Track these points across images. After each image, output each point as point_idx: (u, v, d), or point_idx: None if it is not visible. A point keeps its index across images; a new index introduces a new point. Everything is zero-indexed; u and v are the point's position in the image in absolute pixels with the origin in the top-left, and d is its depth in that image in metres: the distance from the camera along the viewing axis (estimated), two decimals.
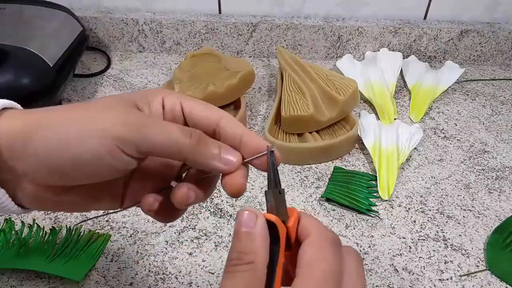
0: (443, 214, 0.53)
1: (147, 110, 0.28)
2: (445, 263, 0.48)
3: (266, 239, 0.24)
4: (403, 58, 0.80)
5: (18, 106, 0.28)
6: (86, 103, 0.27)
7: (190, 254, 0.48)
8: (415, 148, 0.64)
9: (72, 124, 0.25)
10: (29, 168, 0.25)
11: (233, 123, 0.28)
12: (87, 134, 0.24)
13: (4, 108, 0.27)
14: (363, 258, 0.48)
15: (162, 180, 0.31)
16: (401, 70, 0.79)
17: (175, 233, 0.50)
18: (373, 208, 0.53)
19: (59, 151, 0.24)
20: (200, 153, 0.26)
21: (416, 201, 0.55)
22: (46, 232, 0.48)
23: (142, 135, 0.25)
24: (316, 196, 0.55)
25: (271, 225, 0.25)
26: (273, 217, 0.25)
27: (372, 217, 0.53)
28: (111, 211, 0.31)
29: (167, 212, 0.29)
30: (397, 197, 0.56)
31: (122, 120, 0.25)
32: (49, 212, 0.52)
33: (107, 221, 0.51)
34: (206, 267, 0.46)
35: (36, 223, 0.48)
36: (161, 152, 0.26)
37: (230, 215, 0.52)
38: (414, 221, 0.52)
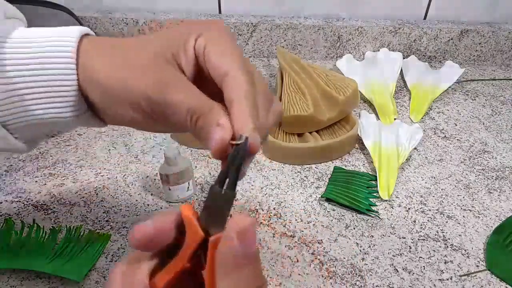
0: (443, 214, 0.53)
1: (183, 58, 0.28)
2: (445, 263, 0.48)
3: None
4: (403, 58, 0.80)
5: (90, 32, 0.31)
6: (135, 51, 0.29)
7: None
8: (415, 148, 0.64)
9: (115, 88, 0.28)
10: (98, 107, 0.30)
11: (232, 85, 0.26)
12: (124, 102, 0.28)
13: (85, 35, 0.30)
14: (363, 258, 0.48)
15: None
16: (401, 70, 0.79)
17: None
18: (373, 208, 0.53)
19: (109, 105, 0.29)
20: (198, 135, 0.27)
21: (416, 201, 0.55)
22: (46, 232, 0.48)
23: (162, 111, 0.28)
24: (316, 196, 0.55)
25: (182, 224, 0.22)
26: (187, 213, 0.22)
27: (372, 217, 0.53)
28: None
29: None
30: (397, 197, 0.56)
31: (150, 94, 0.27)
32: (49, 212, 0.52)
33: (107, 221, 0.51)
34: None
35: (36, 223, 0.48)
36: (178, 125, 0.28)
37: (230, 215, 0.52)
38: (414, 221, 0.52)
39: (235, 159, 0.23)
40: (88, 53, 0.29)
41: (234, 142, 0.24)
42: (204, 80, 0.29)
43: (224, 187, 0.23)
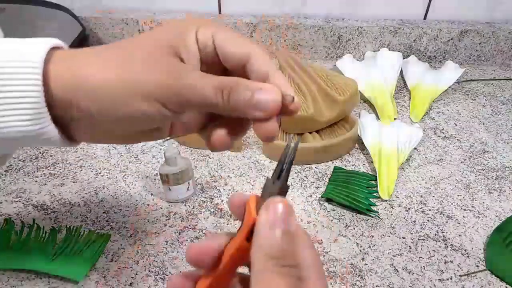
0: (443, 214, 0.53)
1: (185, 53, 0.28)
2: (445, 263, 0.48)
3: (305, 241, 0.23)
4: (403, 58, 0.80)
5: (63, 44, 0.29)
6: (127, 51, 0.28)
7: None
8: (415, 148, 0.64)
9: (118, 87, 0.26)
10: (80, 120, 0.28)
11: (261, 59, 0.28)
12: (134, 97, 0.26)
13: (53, 48, 0.28)
14: (363, 258, 0.48)
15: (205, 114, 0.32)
16: (401, 70, 0.79)
17: (175, 233, 0.50)
18: (373, 208, 0.53)
19: (109, 111, 0.27)
20: (235, 109, 0.27)
21: (416, 201, 0.55)
22: (46, 232, 0.48)
23: (181, 96, 0.27)
24: (316, 196, 0.55)
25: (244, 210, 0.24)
26: (252, 202, 0.24)
27: (372, 217, 0.53)
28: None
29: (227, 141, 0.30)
30: (397, 197, 0.56)
31: (165, 82, 0.26)
32: (49, 212, 0.52)
33: (107, 221, 0.51)
34: None
35: (36, 223, 0.48)
36: (199, 110, 0.29)
37: (230, 215, 0.52)
38: (414, 221, 0.52)
39: (287, 156, 0.26)
40: (68, 61, 0.27)
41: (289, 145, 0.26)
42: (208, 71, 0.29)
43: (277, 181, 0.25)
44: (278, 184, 0.25)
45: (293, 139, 0.26)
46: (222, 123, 0.30)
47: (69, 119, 0.28)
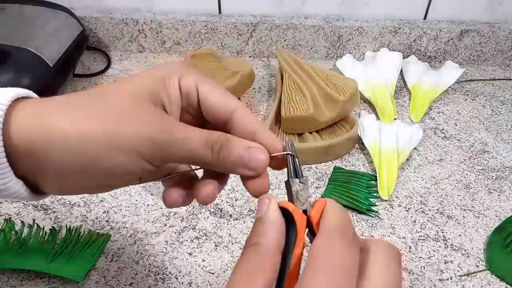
0: (443, 214, 0.53)
1: (168, 101, 0.27)
2: (445, 263, 0.48)
3: (277, 223, 0.24)
4: (403, 58, 0.80)
5: (32, 94, 0.27)
6: (102, 100, 0.25)
7: (190, 254, 0.48)
8: (415, 148, 0.64)
9: (93, 139, 0.24)
10: (52, 175, 0.25)
11: (247, 117, 0.27)
12: (114, 151, 0.24)
13: (17, 99, 0.25)
14: None
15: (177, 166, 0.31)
16: (401, 70, 0.79)
17: (175, 233, 0.50)
18: (373, 208, 0.53)
19: (84, 167, 0.24)
20: (224, 165, 0.26)
21: (416, 201, 0.55)
22: (46, 232, 0.48)
23: (168, 153, 0.25)
24: (316, 196, 0.55)
25: (287, 214, 0.25)
26: (290, 206, 0.25)
27: (372, 217, 0.53)
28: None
29: (185, 201, 0.30)
30: (397, 197, 0.56)
31: (146, 135, 0.25)
32: (49, 212, 0.52)
33: (107, 221, 0.51)
34: (206, 267, 0.46)
35: (36, 223, 0.48)
36: (184, 163, 0.27)
37: (230, 215, 0.52)
38: (414, 221, 0.52)
39: (289, 156, 0.28)
40: (35, 111, 0.25)
41: (279, 153, 0.28)
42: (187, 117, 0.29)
43: (293, 178, 0.27)
44: (300, 180, 0.27)
45: (288, 144, 0.28)
46: (208, 175, 0.29)
47: (36, 172, 0.25)
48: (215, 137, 0.26)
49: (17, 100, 0.25)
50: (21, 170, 0.25)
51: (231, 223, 0.51)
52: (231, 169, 0.26)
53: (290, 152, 0.27)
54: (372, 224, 0.52)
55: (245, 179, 0.27)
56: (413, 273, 0.46)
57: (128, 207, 0.53)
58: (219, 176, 0.29)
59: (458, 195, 0.56)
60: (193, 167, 0.30)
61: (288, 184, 0.27)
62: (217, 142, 0.26)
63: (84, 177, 0.25)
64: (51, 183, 0.26)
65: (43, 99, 0.26)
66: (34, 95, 0.27)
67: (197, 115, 0.29)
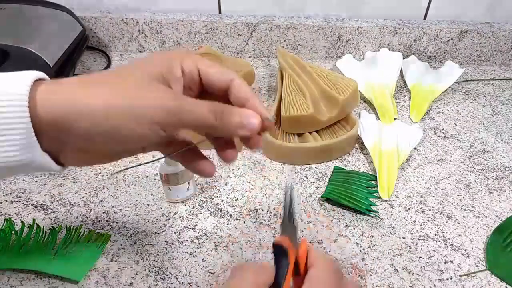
0: (443, 214, 0.53)
1: (173, 80, 0.31)
2: (445, 263, 0.48)
3: None
4: (403, 58, 0.80)
5: (47, 77, 0.29)
6: (119, 78, 0.29)
7: (190, 254, 0.48)
8: (415, 148, 0.64)
9: (117, 112, 0.28)
10: (74, 145, 0.29)
11: (242, 86, 0.32)
12: (133, 121, 0.28)
13: (38, 79, 0.28)
14: (363, 258, 0.48)
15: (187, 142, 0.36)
16: (401, 70, 0.79)
17: (175, 233, 0.50)
18: (373, 208, 0.53)
19: (105, 136, 0.28)
20: (227, 129, 0.30)
21: (416, 201, 0.55)
22: (46, 232, 0.48)
23: (179, 119, 0.29)
24: (316, 196, 0.55)
25: (282, 250, 0.31)
26: (286, 242, 0.31)
27: (372, 217, 0.53)
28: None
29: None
30: (397, 197, 0.56)
31: (161, 105, 0.28)
32: (49, 212, 0.52)
33: (107, 221, 0.51)
34: (206, 267, 0.46)
35: (36, 223, 0.48)
36: (194, 130, 0.31)
37: (230, 215, 0.52)
38: (414, 221, 0.52)
39: (290, 200, 0.34)
40: (57, 88, 0.28)
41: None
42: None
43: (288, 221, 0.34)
44: (291, 224, 0.34)
45: (288, 188, 0.34)
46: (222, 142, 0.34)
47: (61, 145, 0.29)
48: (217, 105, 0.30)
49: (38, 80, 0.28)
50: (45, 145, 0.28)
51: (231, 223, 0.51)
52: (233, 131, 0.30)
53: (271, 117, 0.31)
54: (372, 224, 0.52)
55: (243, 139, 0.32)
56: (413, 273, 0.46)
57: (128, 207, 0.53)
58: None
59: (458, 195, 0.56)
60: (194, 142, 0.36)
61: (283, 225, 0.33)
62: (218, 111, 0.30)
63: (104, 145, 0.29)
64: (72, 154, 0.30)
65: (62, 79, 0.29)
66: (47, 77, 0.30)
67: (198, 92, 0.33)
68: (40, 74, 0.28)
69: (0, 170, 0.28)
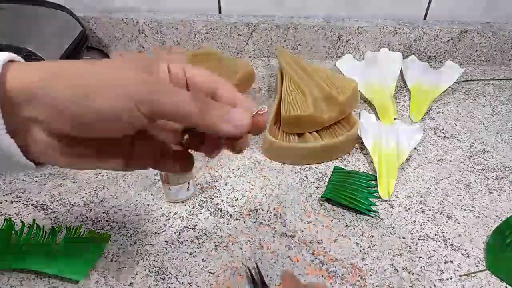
0: (443, 214, 0.53)
1: (156, 74, 0.30)
2: (445, 263, 0.48)
3: None
4: (403, 58, 0.80)
5: (21, 59, 0.28)
6: (101, 60, 0.28)
7: (190, 254, 0.48)
8: (415, 148, 0.64)
9: (93, 78, 0.26)
10: (46, 114, 0.26)
11: (228, 89, 0.30)
12: (107, 89, 0.26)
13: (11, 61, 0.27)
14: (363, 258, 0.48)
15: (164, 145, 0.33)
16: (401, 70, 0.79)
17: (175, 233, 0.50)
18: (373, 208, 0.53)
19: (80, 101, 0.26)
20: (208, 121, 0.27)
21: (416, 201, 0.55)
22: (46, 232, 0.48)
23: (156, 98, 0.26)
24: (316, 196, 0.55)
25: None
26: None
27: (372, 217, 0.53)
28: None
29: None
30: (397, 197, 0.56)
31: (141, 80, 0.27)
32: (49, 212, 0.52)
33: (107, 221, 0.51)
34: (206, 267, 0.46)
35: (36, 223, 0.48)
36: (171, 116, 0.27)
37: (230, 215, 0.52)
38: (414, 221, 0.52)
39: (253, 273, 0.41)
40: (31, 65, 0.27)
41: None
42: None
43: None
44: None
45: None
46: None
47: (28, 125, 0.27)
48: (200, 94, 0.28)
49: (11, 62, 0.27)
50: (10, 125, 0.26)
51: (231, 223, 0.51)
52: (215, 125, 0.28)
53: (265, 108, 0.29)
54: (372, 224, 0.52)
55: (229, 140, 0.30)
56: (413, 273, 0.46)
57: (128, 207, 0.53)
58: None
59: (458, 195, 0.56)
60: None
61: None
62: (203, 100, 0.28)
63: (76, 120, 0.26)
64: (43, 142, 0.28)
65: (36, 62, 0.28)
66: (21, 59, 0.29)
67: None
68: (14, 56, 0.27)
69: None
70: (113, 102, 0.26)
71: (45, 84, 0.26)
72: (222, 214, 0.52)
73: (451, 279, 0.46)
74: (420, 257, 0.48)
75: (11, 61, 0.27)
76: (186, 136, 0.33)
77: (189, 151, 0.34)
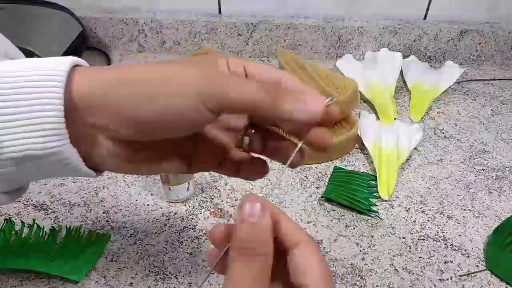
0: (443, 214, 0.53)
1: (217, 69, 0.29)
2: (445, 263, 0.48)
3: (272, 232, 0.25)
4: (403, 58, 0.80)
5: (85, 63, 0.29)
6: (161, 62, 0.28)
7: (190, 254, 0.48)
8: (415, 148, 0.64)
9: (156, 79, 0.26)
10: (111, 121, 0.26)
11: (292, 81, 0.30)
12: (172, 88, 0.25)
13: (76, 65, 0.27)
14: (363, 258, 0.48)
15: (225, 148, 0.32)
16: (401, 70, 0.79)
17: (175, 233, 0.50)
18: (373, 208, 0.53)
19: (144, 105, 0.25)
20: (281, 108, 0.26)
21: (416, 201, 0.55)
22: (46, 232, 0.48)
23: (223, 90, 0.25)
24: (316, 196, 0.55)
25: None
26: None
27: (372, 217, 0.53)
28: None
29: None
30: (397, 197, 0.56)
31: (205, 75, 0.26)
32: (49, 212, 0.52)
33: (107, 221, 0.51)
34: (206, 267, 0.46)
35: (36, 223, 0.48)
36: (242, 106, 0.25)
37: (230, 215, 0.52)
38: (414, 221, 0.52)
39: None
40: (95, 69, 0.27)
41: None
42: None
43: None
44: None
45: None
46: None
47: (91, 131, 0.26)
48: (268, 84, 0.27)
49: (75, 66, 0.27)
50: (74, 133, 0.25)
51: (231, 223, 0.51)
52: (288, 112, 0.26)
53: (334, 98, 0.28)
54: (372, 224, 0.52)
55: (305, 132, 0.29)
56: (413, 273, 0.46)
57: (128, 207, 0.53)
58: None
59: (458, 195, 0.56)
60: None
61: None
62: (271, 88, 0.26)
63: (140, 124, 0.26)
64: (105, 148, 0.27)
65: (97, 67, 0.28)
66: (86, 63, 0.29)
67: None
68: (76, 60, 0.27)
69: (24, 160, 0.25)
70: (177, 101, 0.25)
71: (109, 90, 0.25)
72: (222, 214, 0.52)
73: (451, 279, 0.46)
74: (420, 257, 0.48)
75: (76, 65, 0.27)
76: (247, 141, 0.32)
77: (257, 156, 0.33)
